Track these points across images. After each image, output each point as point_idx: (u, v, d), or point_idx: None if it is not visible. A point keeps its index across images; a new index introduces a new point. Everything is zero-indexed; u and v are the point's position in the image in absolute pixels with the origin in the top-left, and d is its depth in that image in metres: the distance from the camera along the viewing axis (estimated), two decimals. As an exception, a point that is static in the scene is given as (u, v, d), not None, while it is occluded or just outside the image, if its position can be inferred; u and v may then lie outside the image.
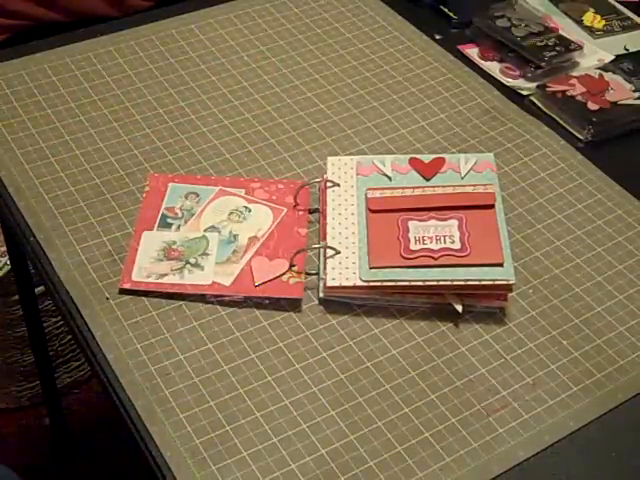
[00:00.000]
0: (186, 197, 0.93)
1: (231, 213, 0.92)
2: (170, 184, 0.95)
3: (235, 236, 0.90)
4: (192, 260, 0.87)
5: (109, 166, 0.98)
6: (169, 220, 0.91)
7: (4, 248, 1.44)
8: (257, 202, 0.93)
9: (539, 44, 1.14)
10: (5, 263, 1.46)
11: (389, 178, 0.91)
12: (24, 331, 1.54)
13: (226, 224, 0.91)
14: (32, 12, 1.42)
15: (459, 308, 0.84)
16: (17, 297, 1.47)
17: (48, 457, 1.61)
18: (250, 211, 0.92)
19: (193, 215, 0.92)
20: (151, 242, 0.88)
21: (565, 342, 0.84)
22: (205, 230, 0.90)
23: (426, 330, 0.84)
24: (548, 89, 1.10)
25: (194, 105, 1.06)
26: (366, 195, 0.89)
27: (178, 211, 0.92)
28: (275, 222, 0.91)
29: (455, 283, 0.82)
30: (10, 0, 1.40)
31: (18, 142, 1.00)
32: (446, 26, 1.22)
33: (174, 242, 0.88)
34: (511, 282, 0.83)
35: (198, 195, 0.94)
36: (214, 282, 0.85)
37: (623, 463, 0.76)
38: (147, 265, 0.86)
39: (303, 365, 0.80)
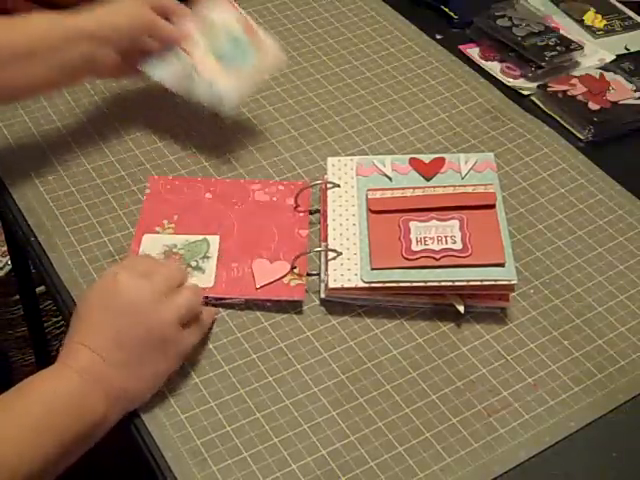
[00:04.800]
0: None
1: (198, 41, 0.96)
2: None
3: (230, 32, 0.95)
4: (193, 263, 0.87)
5: (110, 166, 0.98)
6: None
7: (5, 248, 1.44)
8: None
9: (540, 44, 1.14)
10: (6, 263, 1.46)
11: (389, 178, 0.90)
12: (25, 331, 1.54)
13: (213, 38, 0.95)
14: (32, 12, 1.42)
15: (461, 309, 0.83)
16: (18, 297, 1.47)
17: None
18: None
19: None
20: (152, 245, 0.88)
21: (566, 342, 0.84)
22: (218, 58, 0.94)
23: (427, 330, 0.84)
24: (549, 89, 1.10)
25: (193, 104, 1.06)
26: (367, 196, 0.89)
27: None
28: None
29: (457, 284, 0.82)
30: (11, 0, 1.40)
31: (19, 142, 1.00)
32: (447, 26, 1.22)
33: (175, 245, 0.88)
34: (513, 282, 0.83)
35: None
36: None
37: (624, 464, 0.76)
38: (148, 267, 0.86)
39: (304, 365, 0.80)
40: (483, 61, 1.16)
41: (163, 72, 0.96)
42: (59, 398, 0.70)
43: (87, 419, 0.70)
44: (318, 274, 0.87)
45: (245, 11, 1.22)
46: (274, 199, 0.94)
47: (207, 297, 0.84)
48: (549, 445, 0.76)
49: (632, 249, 0.93)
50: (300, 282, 0.86)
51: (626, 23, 1.24)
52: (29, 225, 0.91)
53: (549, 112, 1.09)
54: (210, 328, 0.82)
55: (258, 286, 0.85)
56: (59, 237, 0.90)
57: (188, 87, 0.95)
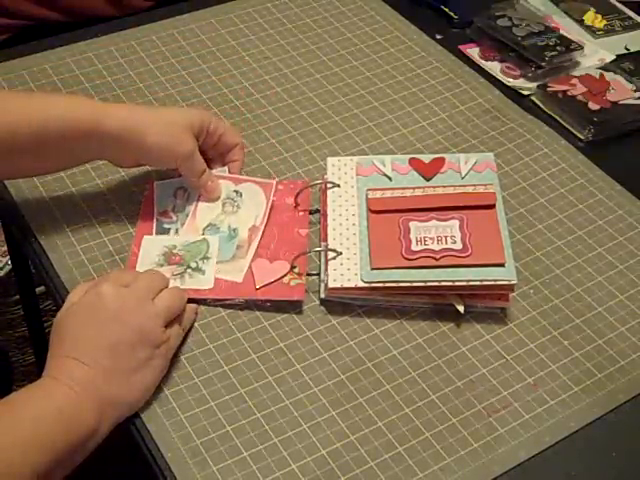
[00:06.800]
0: (175, 196, 0.93)
1: (224, 204, 0.92)
2: (155, 183, 0.94)
3: (235, 230, 0.90)
4: (193, 264, 0.86)
5: (110, 166, 0.97)
6: (165, 225, 0.91)
7: (5, 248, 1.44)
8: (245, 181, 0.93)
9: (540, 44, 1.14)
10: (6, 263, 1.46)
11: (389, 178, 0.90)
12: (25, 331, 1.54)
13: (223, 218, 0.91)
14: (32, 12, 1.42)
15: (461, 309, 0.83)
16: (18, 297, 1.47)
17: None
18: (242, 195, 0.92)
19: (188, 215, 0.91)
20: (152, 247, 0.88)
21: (566, 342, 0.84)
22: (204, 230, 0.90)
23: (427, 330, 0.84)
24: (549, 89, 1.10)
25: (195, 105, 1.06)
26: (367, 196, 0.89)
27: (172, 215, 0.92)
28: (269, 203, 0.91)
29: (457, 284, 0.82)
30: (10, 0, 1.40)
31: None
32: (447, 26, 1.22)
33: (174, 246, 0.88)
34: (513, 282, 0.83)
35: (186, 190, 0.93)
36: (224, 281, 0.85)
37: (624, 463, 0.76)
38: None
39: (304, 365, 0.80)
40: (483, 61, 1.16)
41: (166, 195, 0.93)
42: (49, 412, 0.69)
43: (78, 431, 0.70)
44: (318, 274, 0.87)
45: (244, 11, 1.23)
46: (274, 199, 0.94)
47: (207, 298, 0.84)
48: (549, 445, 0.76)
49: (632, 249, 0.93)
50: (300, 282, 0.86)
51: (626, 23, 1.24)
52: (29, 225, 0.91)
53: (549, 112, 1.09)
54: (192, 325, 0.82)
55: (258, 286, 0.85)
56: (59, 237, 0.90)
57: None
